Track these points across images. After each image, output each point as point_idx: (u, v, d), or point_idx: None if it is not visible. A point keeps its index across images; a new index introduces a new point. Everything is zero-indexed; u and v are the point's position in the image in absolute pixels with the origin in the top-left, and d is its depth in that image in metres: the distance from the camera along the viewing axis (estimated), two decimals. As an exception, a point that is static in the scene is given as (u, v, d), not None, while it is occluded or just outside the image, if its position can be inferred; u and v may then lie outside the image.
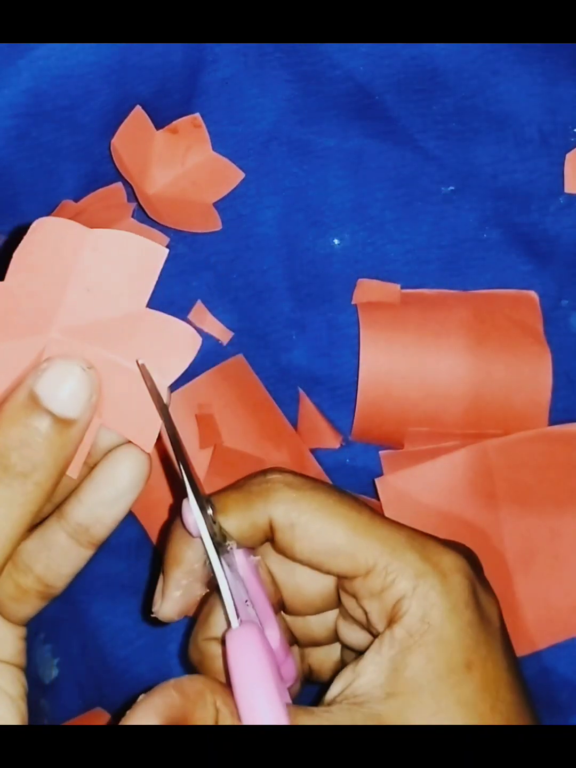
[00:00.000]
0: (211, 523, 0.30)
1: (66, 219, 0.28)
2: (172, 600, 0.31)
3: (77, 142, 0.39)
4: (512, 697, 0.29)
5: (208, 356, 0.41)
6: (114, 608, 0.41)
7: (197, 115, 0.40)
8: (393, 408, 0.40)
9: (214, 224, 0.41)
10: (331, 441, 0.41)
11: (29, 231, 0.28)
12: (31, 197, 0.40)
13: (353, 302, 0.41)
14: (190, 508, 0.29)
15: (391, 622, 0.29)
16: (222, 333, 0.41)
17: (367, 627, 0.31)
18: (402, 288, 0.41)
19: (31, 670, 0.41)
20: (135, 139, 0.39)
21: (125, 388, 0.28)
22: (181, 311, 0.41)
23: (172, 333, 0.28)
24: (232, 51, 0.39)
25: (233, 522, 0.31)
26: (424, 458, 0.39)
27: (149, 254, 0.28)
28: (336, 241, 0.41)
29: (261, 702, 0.27)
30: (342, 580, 0.31)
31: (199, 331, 0.41)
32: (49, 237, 0.28)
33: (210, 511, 0.30)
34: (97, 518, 0.30)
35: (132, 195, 0.41)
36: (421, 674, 0.28)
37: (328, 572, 0.31)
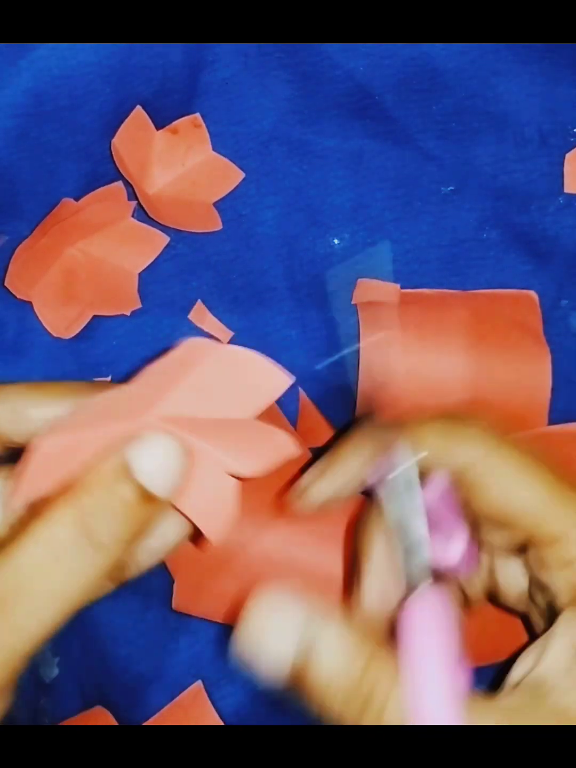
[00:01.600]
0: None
1: (210, 340, 0.27)
2: (329, 487, 0.30)
3: (78, 142, 0.39)
4: None
5: (208, 356, 0.41)
6: (115, 607, 0.41)
7: (197, 115, 0.40)
8: (393, 408, 0.40)
9: (214, 224, 0.41)
10: (320, 438, 0.41)
11: (175, 348, 0.27)
12: (31, 197, 0.40)
13: (353, 302, 0.41)
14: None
15: None
16: (222, 333, 0.41)
17: (551, 598, 0.28)
18: (401, 288, 0.41)
19: (31, 669, 0.41)
20: (135, 139, 0.39)
21: (206, 477, 0.27)
22: (181, 311, 0.41)
23: (272, 438, 0.27)
24: (233, 51, 0.39)
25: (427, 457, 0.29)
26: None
27: (273, 378, 0.28)
28: (336, 241, 0.41)
29: (439, 707, 0.25)
30: (526, 544, 0.29)
31: (199, 330, 0.41)
32: (187, 351, 0.27)
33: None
34: (136, 562, 0.29)
35: (132, 194, 0.41)
36: None
37: (510, 532, 0.29)
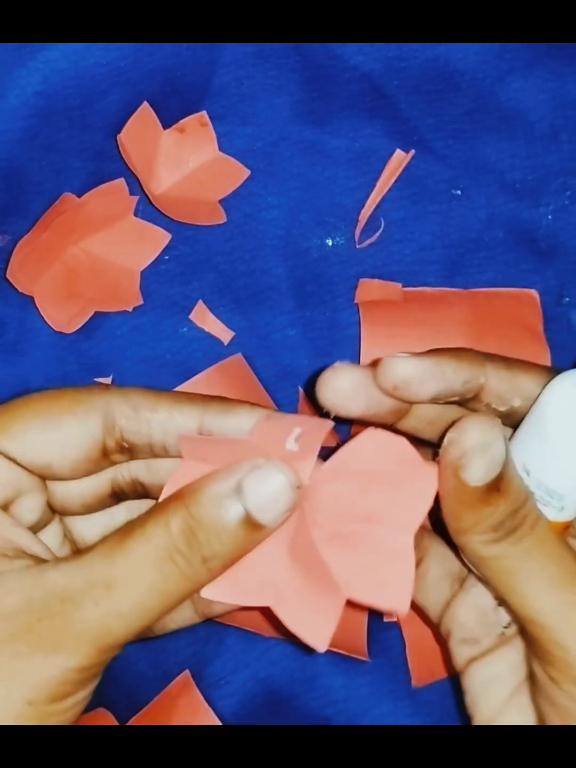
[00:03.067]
0: None
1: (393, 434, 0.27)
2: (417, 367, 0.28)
3: (86, 142, 0.39)
4: None
5: (209, 356, 0.41)
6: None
7: (204, 113, 0.40)
8: None
9: (219, 217, 0.41)
10: (328, 440, 0.42)
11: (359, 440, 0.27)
12: (37, 196, 0.40)
13: (356, 302, 0.41)
14: None
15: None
16: (223, 332, 0.41)
17: None
18: (405, 287, 0.41)
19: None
20: (142, 135, 0.39)
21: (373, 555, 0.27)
22: (182, 311, 0.41)
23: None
24: (245, 51, 0.40)
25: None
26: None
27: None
28: (341, 241, 0.41)
29: None
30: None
31: (201, 330, 0.41)
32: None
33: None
34: (174, 619, 0.31)
35: (136, 189, 0.41)
36: None
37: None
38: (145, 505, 0.32)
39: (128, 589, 0.25)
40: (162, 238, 0.41)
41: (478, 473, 0.25)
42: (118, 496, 0.31)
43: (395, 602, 0.26)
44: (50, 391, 0.29)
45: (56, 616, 0.25)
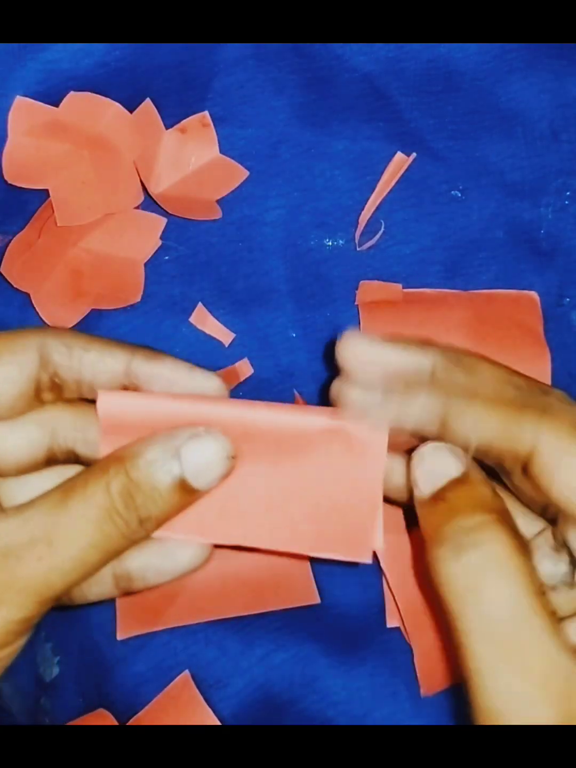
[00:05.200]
0: None
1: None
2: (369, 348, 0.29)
3: (85, 142, 0.39)
4: None
5: (209, 356, 0.41)
6: (110, 609, 0.41)
7: (205, 113, 0.40)
8: None
9: (215, 214, 0.41)
10: None
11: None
12: (38, 196, 0.40)
13: (356, 303, 0.41)
14: None
15: None
16: (223, 335, 0.42)
17: None
18: (405, 288, 0.41)
19: (32, 668, 0.41)
20: (143, 132, 0.39)
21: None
22: (182, 312, 0.41)
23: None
24: (245, 53, 0.40)
25: (488, 429, 0.27)
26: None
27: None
28: (341, 243, 0.41)
29: None
30: None
31: (201, 333, 0.41)
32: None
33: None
34: (143, 576, 0.31)
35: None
36: None
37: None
38: (74, 470, 0.32)
39: (69, 546, 0.27)
40: (158, 224, 0.41)
41: (422, 486, 0.28)
42: (50, 461, 0.32)
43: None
44: None
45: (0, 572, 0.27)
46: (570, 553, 0.28)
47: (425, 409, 0.28)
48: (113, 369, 0.30)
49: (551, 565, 0.29)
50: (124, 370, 0.30)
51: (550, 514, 0.29)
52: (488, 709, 0.25)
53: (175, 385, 0.30)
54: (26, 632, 0.29)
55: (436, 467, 0.28)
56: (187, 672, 0.40)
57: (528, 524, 0.30)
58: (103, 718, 0.39)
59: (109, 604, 0.41)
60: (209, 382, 0.30)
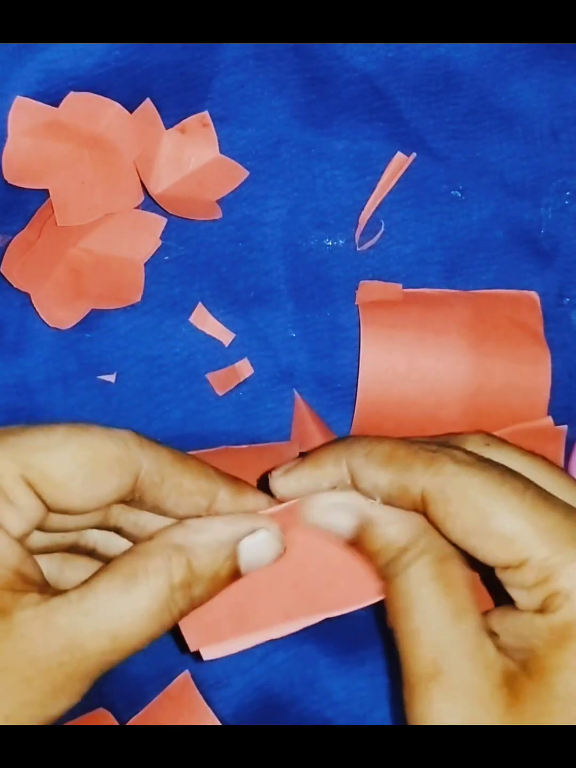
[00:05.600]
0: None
1: None
2: (293, 481, 0.31)
3: (85, 141, 0.39)
4: None
5: (209, 356, 0.41)
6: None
7: (205, 113, 0.40)
8: (393, 408, 0.40)
9: (215, 213, 0.41)
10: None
11: None
12: (38, 196, 0.40)
13: (356, 304, 0.41)
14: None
15: (541, 610, 0.27)
16: (224, 334, 0.42)
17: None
18: (405, 288, 0.41)
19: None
20: (143, 132, 0.39)
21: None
22: (182, 313, 0.41)
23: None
24: (245, 53, 0.40)
25: (384, 480, 0.29)
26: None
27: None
28: (341, 243, 0.41)
29: None
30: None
31: (201, 333, 0.41)
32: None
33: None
34: None
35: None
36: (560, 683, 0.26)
37: (481, 558, 0.28)
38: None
39: (132, 639, 0.27)
40: (158, 224, 0.41)
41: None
42: (71, 550, 0.33)
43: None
44: (91, 436, 0.29)
45: (66, 665, 0.26)
46: None
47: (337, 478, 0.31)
48: (198, 505, 0.31)
49: None
50: (208, 504, 0.31)
51: None
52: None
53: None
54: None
55: (333, 520, 0.30)
56: (187, 672, 0.40)
57: None
58: (103, 718, 0.39)
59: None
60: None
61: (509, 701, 0.26)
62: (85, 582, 0.28)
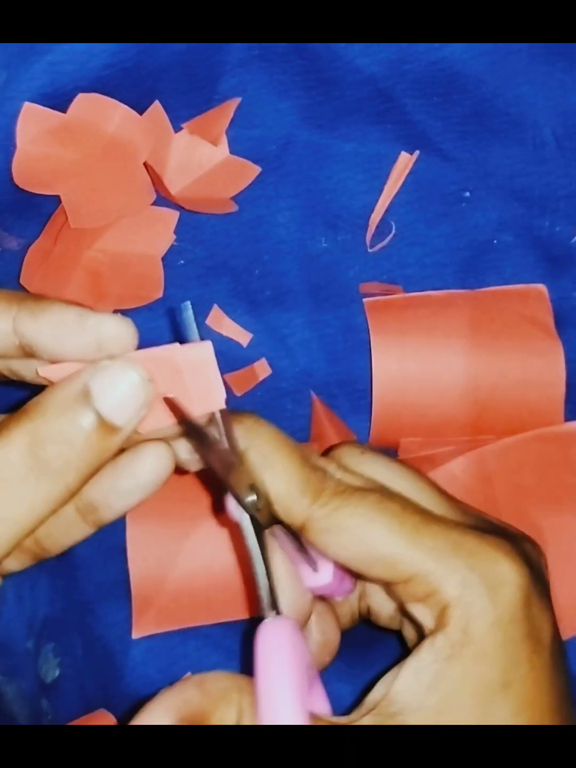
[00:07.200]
0: (255, 508, 0.28)
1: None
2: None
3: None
4: (552, 718, 0.27)
5: (227, 357, 0.41)
6: (118, 610, 0.41)
7: (234, 100, 0.40)
8: (409, 411, 0.40)
9: (230, 207, 0.41)
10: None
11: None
12: (49, 198, 0.40)
13: (365, 310, 0.41)
14: (229, 496, 0.28)
15: (438, 626, 0.27)
16: (241, 335, 0.42)
17: (418, 623, 0.29)
18: (416, 292, 0.41)
19: (32, 669, 0.40)
20: (154, 134, 0.39)
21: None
22: (198, 315, 0.41)
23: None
24: (253, 54, 0.40)
25: (274, 490, 0.29)
26: (421, 466, 0.39)
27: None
28: (353, 245, 0.41)
29: (283, 707, 0.26)
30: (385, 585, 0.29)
31: (218, 335, 0.41)
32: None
33: (254, 497, 0.28)
34: (108, 503, 0.29)
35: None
36: (456, 690, 0.27)
37: (368, 579, 0.29)
38: None
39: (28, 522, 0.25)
40: (171, 218, 0.41)
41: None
42: None
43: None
44: None
45: None
46: None
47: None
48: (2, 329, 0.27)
49: None
50: (10, 327, 0.27)
51: None
52: None
53: (64, 340, 0.26)
54: None
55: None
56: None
57: None
58: (104, 718, 0.39)
59: (121, 604, 0.41)
60: (108, 325, 0.26)
61: None
62: None
